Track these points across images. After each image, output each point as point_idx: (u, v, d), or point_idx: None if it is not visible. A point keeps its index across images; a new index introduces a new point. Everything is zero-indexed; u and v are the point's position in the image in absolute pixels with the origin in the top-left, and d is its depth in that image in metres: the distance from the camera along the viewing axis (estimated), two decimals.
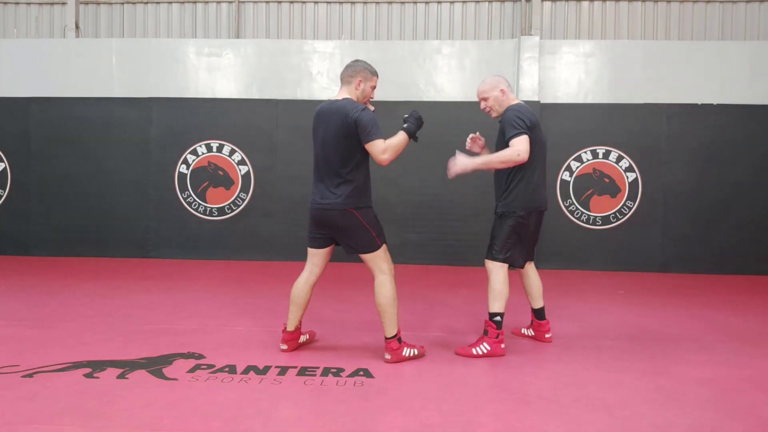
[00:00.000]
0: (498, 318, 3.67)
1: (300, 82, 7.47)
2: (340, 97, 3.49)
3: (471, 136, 3.98)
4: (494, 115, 3.82)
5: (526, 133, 3.56)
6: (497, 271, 3.70)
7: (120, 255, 7.44)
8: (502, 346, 3.69)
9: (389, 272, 3.53)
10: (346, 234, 3.49)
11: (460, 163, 3.63)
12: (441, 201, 7.26)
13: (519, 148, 3.53)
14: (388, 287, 3.48)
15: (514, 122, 3.58)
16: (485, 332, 3.70)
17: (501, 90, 3.77)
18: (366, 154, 3.43)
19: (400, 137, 3.40)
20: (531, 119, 3.64)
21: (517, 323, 4.42)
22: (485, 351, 3.66)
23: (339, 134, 3.38)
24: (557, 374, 3.39)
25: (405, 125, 3.47)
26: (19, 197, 7.57)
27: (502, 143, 3.69)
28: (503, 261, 3.71)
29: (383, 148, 3.33)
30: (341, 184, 3.41)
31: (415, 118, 3.49)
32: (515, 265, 3.79)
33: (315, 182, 3.54)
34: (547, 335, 4.08)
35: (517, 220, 3.69)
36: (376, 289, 3.51)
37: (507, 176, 3.75)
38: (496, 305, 3.68)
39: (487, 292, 3.73)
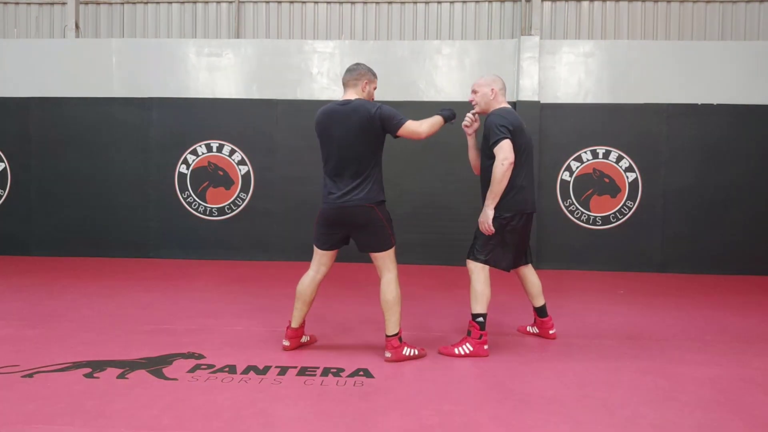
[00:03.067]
0: (481, 319, 3.68)
1: (300, 82, 7.47)
2: (351, 98, 3.53)
3: (468, 117, 3.90)
4: (477, 109, 3.87)
5: (507, 137, 3.59)
6: (478, 272, 3.70)
7: (120, 255, 7.44)
8: (485, 347, 3.69)
9: (395, 271, 3.58)
10: (366, 231, 3.52)
11: (486, 217, 3.64)
12: (441, 201, 7.26)
13: (501, 157, 3.57)
14: (395, 285, 3.54)
15: (495, 128, 3.62)
16: (468, 333, 3.72)
17: (492, 89, 3.79)
18: (380, 150, 3.51)
19: (436, 118, 3.57)
20: (514, 123, 3.65)
21: (518, 322, 4.44)
22: (467, 351, 3.67)
23: (361, 132, 3.41)
24: (557, 374, 3.39)
25: (440, 111, 3.63)
26: (19, 197, 7.57)
27: (487, 147, 3.73)
28: (484, 262, 3.70)
29: (418, 123, 3.48)
30: (364, 181, 3.46)
31: (450, 110, 3.67)
32: (499, 268, 3.78)
33: (331, 182, 3.53)
34: (551, 331, 4.11)
35: (501, 222, 3.67)
36: (383, 287, 3.54)
37: (487, 177, 3.77)
38: (478, 306, 3.68)
39: (469, 292, 3.73)
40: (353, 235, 3.58)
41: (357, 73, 3.56)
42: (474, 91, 3.84)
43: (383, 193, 3.55)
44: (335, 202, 3.48)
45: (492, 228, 3.63)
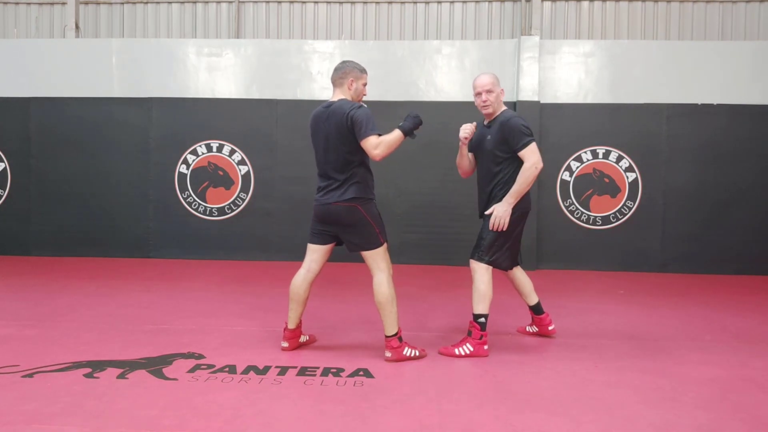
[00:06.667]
0: (482, 319, 3.67)
1: (300, 82, 7.47)
2: (335, 99, 3.57)
3: (469, 128, 3.79)
4: (490, 110, 3.76)
5: (534, 140, 3.62)
6: (482, 273, 3.69)
7: (120, 255, 7.44)
8: (486, 347, 3.69)
9: (387, 271, 3.57)
10: (351, 231, 3.54)
11: (503, 213, 3.60)
12: (440, 201, 7.26)
13: (534, 160, 3.58)
14: (386, 285, 3.52)
15: (523, 129, 3.61)
16: (469, 333, 3.72)
17: (501, 89, 3.80)
18: (362, 150, 3.48)
19: (394, 134, 3.46)
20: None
21: (518, 322, 4.44)
22: (468, 351, 3.67)
23: (339, 134, 3.45)
24: (557, 374, 3.39)
25: (401, 124, 3.52)
26: (19, 197, 7.57)
27: (502, 148, 3.67)
28: (488, 263, 3.70)
29: (376, 144, 3.38)
30: (345, 182, 3.49)
31: (413, 117, 3.55)
32: (500, 268, 3.79)
33: (319, 181, 3.62)
34: (550, 327, 4.12)
35: (512, 222, 3.66)
36: (374, 287, 3.54)
37: (491, 182, 3.75)
38: (480, 307, 3.67)
39: (472, 293, 3.72)
40: (341, 235, 3.61)
41: (342, 72, 3.58)
42: (488, 91, 3.71)
43: (370, 192, 3.56)
44: (320, 200, 3.56)
45: (506, 225, 3.61)
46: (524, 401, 2.97)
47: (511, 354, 3.75)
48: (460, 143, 3.88)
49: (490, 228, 3.65)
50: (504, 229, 3.62)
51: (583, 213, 7.26)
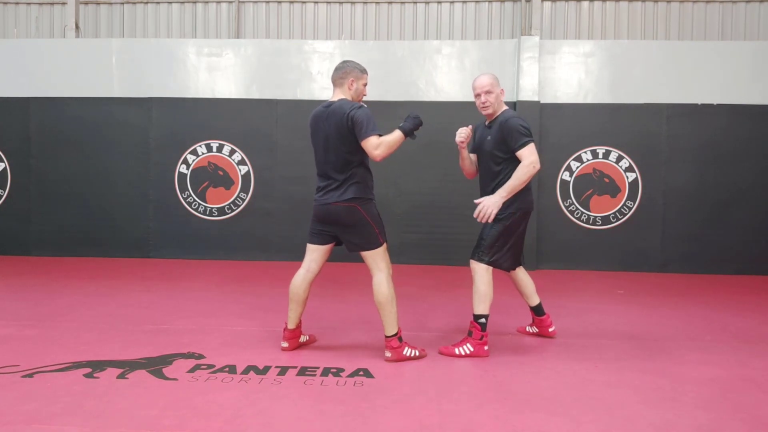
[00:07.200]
0: (483, 320, 3.68)
1: (300, 82, 7.47)
2: (335, 99, 3.57)
3: (464, 132, 3.83)
4: (490, 111, 3.77)
5: (533, 141, 3.61)
6: (482, 273, 3.69)
7: (120, 255, 7.44)
8: (486, 347, 3.69)
9: (387, 270, 3.57)
10: (350, 231, 3.55)
11: (492, 204, 3.59)
12: (440, 201, 7.27)
13: (532, 159, 3.58)
14: (386, 285, 3.52)
15: (521, 130, 3.60)
16: (469, 333, 3.72)
17: (501, 90, 3.79)
18: (362, 150, 3.48)
19: (395, 135, 3.48)
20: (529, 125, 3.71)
21: (518, 322, 4.44)
22: (468, 352, 3.67)
23: (339, 134, 3.46)
24: (557, 374, 3.39)
25: (401, 124, 3.53)
26: (19, 197, 7.57)
27: (501, 150, 3.68)
28: (488, 263, 3.69)
29: (376, 144, 3.39)
30: (344, 182, 3.49)
31: (413, 117, 3.56)
32: (501, 269, 3.79)
33: (319, 181, 3.62)
34: (550, 329, 4.12)
35: (508, 221, 3.66)
36: (374, 287, 3.55)
37: (492, 182, 3.75)
38: (481, 307, 3.67)
39: (472, 293, 3.72)
40: (340, 235, 3.61)
41: (342, 72, 3.59)
42: (488, 92, 3.72)
43: (369, 192, 3.57)
44: (319, 200, 3.57)
45: (491, 217, 3.61)
46: (524, 401, 2.97)
47: (511, 354, 3.75)
48: (459, 147, 3.90)
49: (474, 216, 3.64)
50: (490, 221, 3.61)
51: (583, 213, 7.26)
